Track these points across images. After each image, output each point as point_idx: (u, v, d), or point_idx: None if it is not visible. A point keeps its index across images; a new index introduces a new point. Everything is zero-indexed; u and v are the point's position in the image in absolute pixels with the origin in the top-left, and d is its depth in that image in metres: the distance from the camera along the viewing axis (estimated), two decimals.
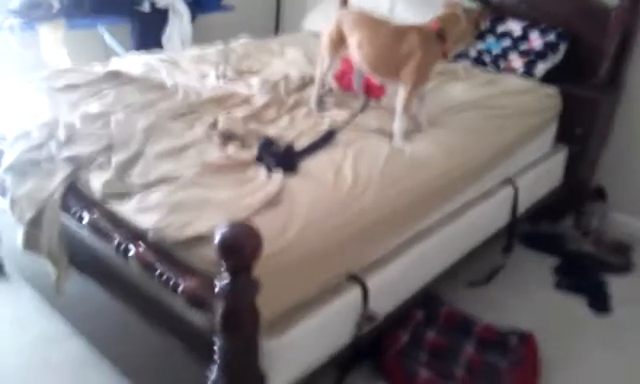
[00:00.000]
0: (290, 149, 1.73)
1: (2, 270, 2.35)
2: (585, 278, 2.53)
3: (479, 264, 2.47)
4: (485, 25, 2.17)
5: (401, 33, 2.03)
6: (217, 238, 1.17)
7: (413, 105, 2.04)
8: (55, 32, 2.79)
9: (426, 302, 2.17)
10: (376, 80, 2.23)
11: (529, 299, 2.42)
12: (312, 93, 2.23)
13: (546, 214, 2.81)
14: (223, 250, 1.16)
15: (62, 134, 1.83)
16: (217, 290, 1.22)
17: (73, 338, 2.05)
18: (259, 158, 1.73)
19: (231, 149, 1.79)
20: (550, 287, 2.51)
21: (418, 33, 2.00)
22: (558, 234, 2.77)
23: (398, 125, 2.00)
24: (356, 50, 2.09)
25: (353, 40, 2.09)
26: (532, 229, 2.83)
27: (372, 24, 2.10)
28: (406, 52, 1.98)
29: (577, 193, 2.84)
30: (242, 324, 1.26)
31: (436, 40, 1.98)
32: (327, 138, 1.89)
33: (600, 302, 2.41)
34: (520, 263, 2.63)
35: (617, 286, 2.52)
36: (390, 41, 2.02)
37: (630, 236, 2.85)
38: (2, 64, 2.86)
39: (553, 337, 2.20)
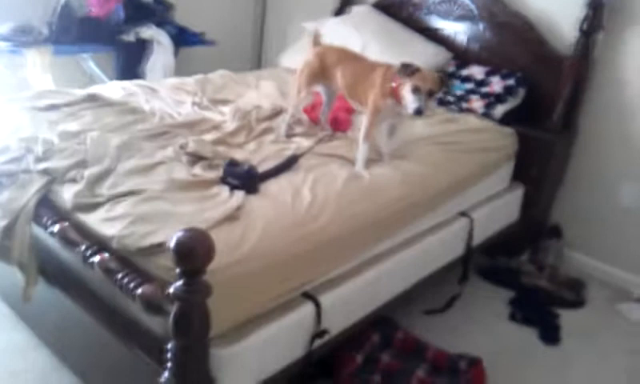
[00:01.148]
0: (252, 170, 1.85)
1: None
2: (537, 311, 2.64)
3: (436, 291, 2.59)
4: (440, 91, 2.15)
5: (373, 66, 2.23)
6: (171, 243, 1.27)
7: (373, 133, 2.17)
8: (42, 57, 2.92)
9: (383, 325, 2.26)
10: (353, 105, 2.40)
11: (483, 328, 2.52)
12: (282, 120, 2.37)
13: (503, 249, 2.94)
14: (176, 253, 1.26)
15: (39, 149, 1.93)
16: (170, 291, 1.31)
17: (38, 349, 2.10)
18: (223, 179, 1.84)
19: (198, 169, 1.91)
20: (504, 318, 2.62)
21: (384, 69, 2.17)
22: (514, 268, 2.89)
23: (360, 152, 2.14)
24: (339, 79, 2.28)
25: (336, 71, 2.29)
26: (489, 262, 2.96)
27: (353, 57, 2.34)
28: (371, 84, 2.16)
29: (533, 229, 2.98)
30: (194, 325, 1.34)
31: (387, 78, 2.12)
32: (290, 163, 2.01)
33: (550, 334, 2.52)
34: (477, 294, 2.74)
35: (567, 319, 2.64)
36: (365, 72, 2.21)
37: (583, 273, 2.99)
38: None
39: (504, 365, 2.29)
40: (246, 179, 1.81)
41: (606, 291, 2.90)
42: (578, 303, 2.78)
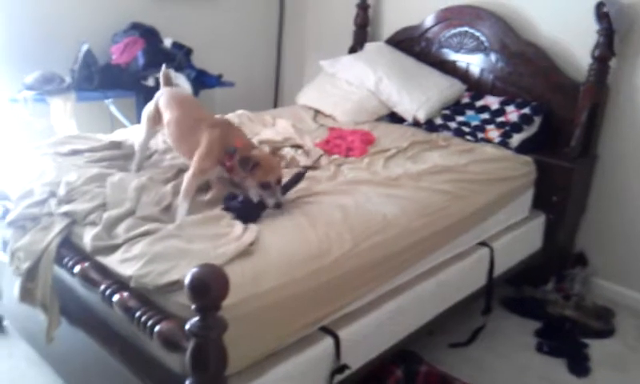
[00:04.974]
0: (245, 201, 1.88)
1: (1, 324, 2.45)
2: (565, 342, 2.58)
3: (460, 323, 2.55)
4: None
5: (199, 120, 2.07)
6: (187, 280, 1.29)
7: (193, 190, 1.97)
8: (65, 104, 3.01)
9: (406, 360, 2.23)
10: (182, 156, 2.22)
11: (510, 361, 2.46)
12: (134, 160, 2.29)
13: (527, 278, 2.89)
14: (192, 290, 1.27)
15: (61, 192, 1.98)
16: (187, 328, 1.32)
17: None
18: (226, 209, 1.89)
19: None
20: (531, 350, 2.56)
21: (208, 126, 2.02)
22: (540, 297, 2.83)
23: (180, 209, 1.91)
24: (165, 127, 2.19)
25: (165, 117, 2.18)
26: (514, 293, 2.90)
27: (182, 105, 2.17)
28: (197, 139, 2.02)
29: (557, 258, 2.93)
30: (210, 362, 1.34)
31: (219, 141, 1.98)
32: (298, 178, 2.08)
33: (579, 366, 2.45)
34: (502, 325, 2.69)
35: (596, 349, 2.56)
36: (191, 126, 2.07)
37: (611, 301, 2.92)
38: (13, 131, 3.09)
39: None
40: (241, 211, 1.85)
41: (636, 319, 2.82)
42: (606, 332, 2.70)
